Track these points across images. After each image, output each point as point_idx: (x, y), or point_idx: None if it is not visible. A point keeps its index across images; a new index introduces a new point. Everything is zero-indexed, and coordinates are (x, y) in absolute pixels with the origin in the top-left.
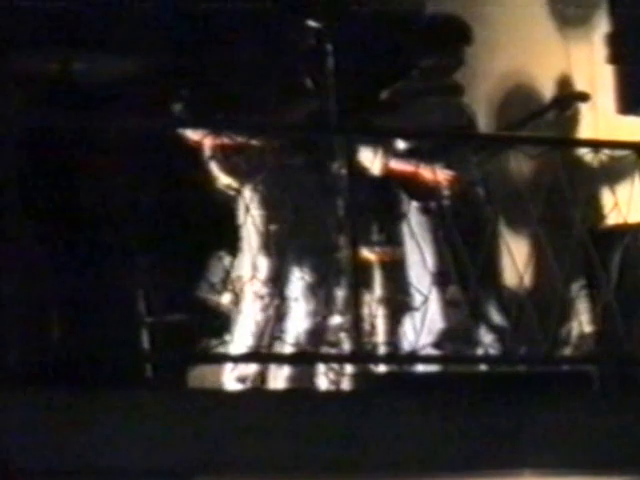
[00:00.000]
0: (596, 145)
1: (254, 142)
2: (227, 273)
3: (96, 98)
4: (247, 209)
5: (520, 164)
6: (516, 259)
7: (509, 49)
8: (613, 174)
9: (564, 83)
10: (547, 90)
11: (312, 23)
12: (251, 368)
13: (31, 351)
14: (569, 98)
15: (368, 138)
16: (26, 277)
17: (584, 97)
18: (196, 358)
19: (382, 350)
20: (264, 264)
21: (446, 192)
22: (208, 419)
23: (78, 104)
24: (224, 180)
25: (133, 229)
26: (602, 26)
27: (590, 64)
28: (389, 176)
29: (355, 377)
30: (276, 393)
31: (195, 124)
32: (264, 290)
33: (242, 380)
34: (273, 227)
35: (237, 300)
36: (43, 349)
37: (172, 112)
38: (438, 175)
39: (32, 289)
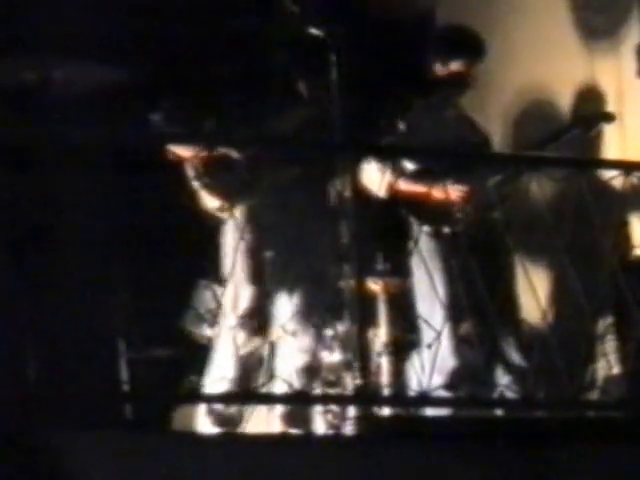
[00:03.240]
0: (627, 167)
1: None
2: (218, 304)
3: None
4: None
5: (542, 187)
6: (538, 291)
7: (528, 61)
8: None
9: (589, 99)
10: (570, 107)
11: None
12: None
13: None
14: (593, 117)
15: (375, 157)
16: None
17: (608, 117)
18: (180, 398)
19: (387, 391)
20: (254, 295)
21: (460, 216)
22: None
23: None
24: (210, 202)
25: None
26: (632, 36)
27: (618, 78)
28: (396, 198)
29: (357, 420)
30: (266, 437)
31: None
32: (256, 323)
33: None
34: (267, 254)
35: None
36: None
37: (154, 125)
38: (451, 197)
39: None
